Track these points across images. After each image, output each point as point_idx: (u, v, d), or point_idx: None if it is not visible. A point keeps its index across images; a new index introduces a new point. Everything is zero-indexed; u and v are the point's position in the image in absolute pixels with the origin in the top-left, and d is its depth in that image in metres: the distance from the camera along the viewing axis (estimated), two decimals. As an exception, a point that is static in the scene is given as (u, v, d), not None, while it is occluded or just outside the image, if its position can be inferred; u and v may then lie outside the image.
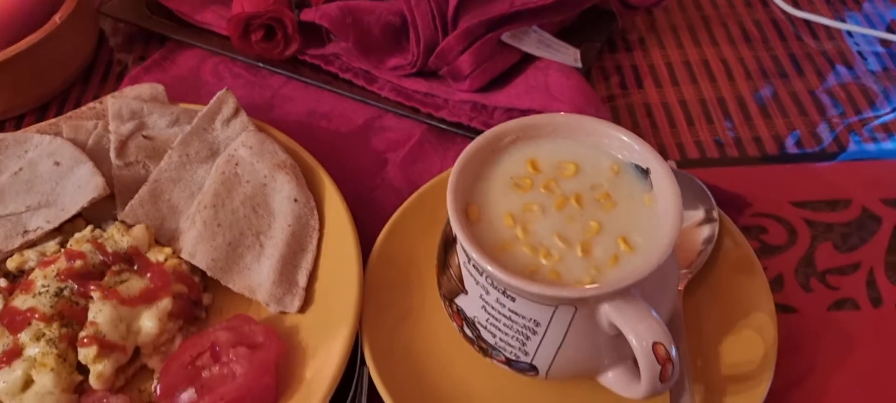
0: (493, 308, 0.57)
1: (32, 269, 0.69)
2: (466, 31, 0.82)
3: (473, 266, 0.58)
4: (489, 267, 0.54)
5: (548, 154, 0.63)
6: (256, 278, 0.69)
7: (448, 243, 0.62)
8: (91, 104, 0.80)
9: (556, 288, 0.54)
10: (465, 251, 0.58)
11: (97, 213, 0.74)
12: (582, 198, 0.60)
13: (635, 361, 0.57)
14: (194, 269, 0.70)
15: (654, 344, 0.53)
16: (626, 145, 0.61)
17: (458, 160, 0.60)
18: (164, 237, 0.72)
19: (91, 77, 0.96)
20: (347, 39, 0.86)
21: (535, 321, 0.56)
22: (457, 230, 0.57)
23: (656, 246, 0.55)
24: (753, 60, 0.94)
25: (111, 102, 0.76)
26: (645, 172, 0.60)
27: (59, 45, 0.90)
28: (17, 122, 0.91)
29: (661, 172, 0.59)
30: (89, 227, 0.72)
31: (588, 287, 0.54)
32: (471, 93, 0.85)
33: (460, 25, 0.83)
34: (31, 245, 0.72)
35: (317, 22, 0.86)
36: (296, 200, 0.72)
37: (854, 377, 0.67)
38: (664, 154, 0.83)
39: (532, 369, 0.59)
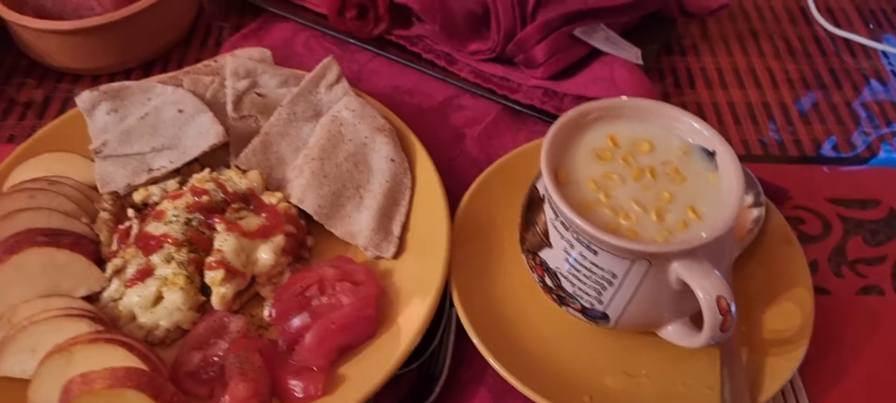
0: (576, 260, 0.66)
1: (156, 203, 0.78)
2: (544, 24, 0.91)
3: (561, 222, 0.67)
4: (579, 222, 0.63)
5: (626, 132, 0.72)
6: (356, 225, 0.78)
7: (533, 202, 0.71)
8: (206, 62, 0.89)
9: (637, 244, 0.63)
10: (553, 208, 0.67)
11: (211, 159, 0.83)
12: (655, 171, 0.69)
13: (692, 318, 0.66)
14: (300, 213, 0.79)
15: (718, 298, 0.62)
16: (695, 130, 0.70)
17: (550, 130, 0.69)
18: (271, 185, 0.81)
19: (191, 41, 1.05)
20: (434, 23, 0.95)
21: (613, 273, 0.65)
22: (550, 189, 0.65)
23: (721, 215, 0.64)
24: (796, 72, 1.04)
25: (230, 60, 0.85)
26: (710, 154, 0.69)
27: (165, 10, 0.99)
28: (125, 76, 1.00)
29: (726, 154, 0.68)
30: (206, 170, 0.81)
31: (663, 244, 0.63)
32: (543, 79, 0.94)
33: (539, 18, 0.92)
34: (154, 181, 0.81)
35: (407, 4, 0.95)
36: (392, 160, 0.81)
37: (878, 351, 0.76)
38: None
39: (604, 318, 0.68)
